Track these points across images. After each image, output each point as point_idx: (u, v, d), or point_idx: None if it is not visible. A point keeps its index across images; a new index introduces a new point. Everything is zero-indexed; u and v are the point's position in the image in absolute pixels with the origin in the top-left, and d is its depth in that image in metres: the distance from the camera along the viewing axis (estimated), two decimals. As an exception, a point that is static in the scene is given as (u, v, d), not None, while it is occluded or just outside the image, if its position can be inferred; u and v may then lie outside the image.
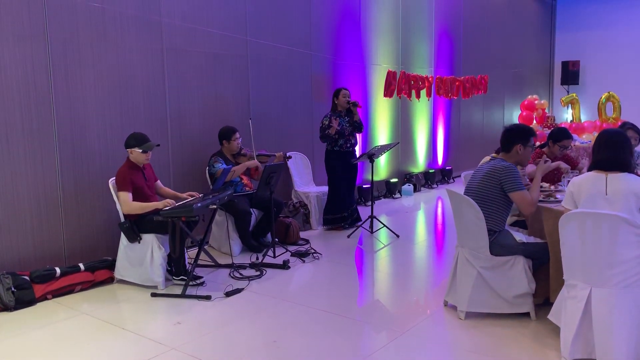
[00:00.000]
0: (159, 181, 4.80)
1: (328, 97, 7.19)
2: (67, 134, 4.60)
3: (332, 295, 4.35)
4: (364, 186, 7.76)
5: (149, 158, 4.53)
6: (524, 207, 3.60)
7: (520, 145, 3.68)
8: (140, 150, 4.43)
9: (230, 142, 5.43)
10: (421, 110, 9.23)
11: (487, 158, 4.07)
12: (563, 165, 4.58)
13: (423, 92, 8.46)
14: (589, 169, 3.25)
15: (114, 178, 4.55)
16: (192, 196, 4.64)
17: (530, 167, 4.37)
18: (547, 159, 3.91)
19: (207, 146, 5.66)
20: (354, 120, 6.23)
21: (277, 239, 5.46)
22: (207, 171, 5.49)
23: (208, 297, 4.17)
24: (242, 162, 5.54)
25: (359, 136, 6.97)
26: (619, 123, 8.86)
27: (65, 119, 4.57)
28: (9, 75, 4.23)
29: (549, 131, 5.10)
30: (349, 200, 6.39)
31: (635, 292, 2.93)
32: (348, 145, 6.26)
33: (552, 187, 4.28)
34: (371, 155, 6.02)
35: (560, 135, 4.80)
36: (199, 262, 4.67)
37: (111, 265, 4.61)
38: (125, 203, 4.34)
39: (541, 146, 5.03)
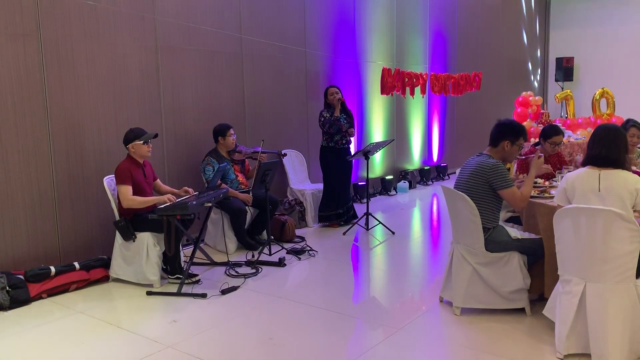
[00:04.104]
0: (158, 180, 4.79)
1: (323, 94, 7.19)
2: (61, 132, 4.58)
3: (328, 292, 4.35)
4: (359, 183, 7.76)
5: (151, 150, 4.53)
6: (515, 204, 3.63)
7: (508, 142, 3.69)
8: (142, 142, 4.42)
9: (226, 139, 5.45)
10: (416, 107, 9.24)
11: None
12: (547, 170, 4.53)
13: (417, 89, 8.46)
14: (583, 164, 3.26)
15: (109, 176, 4.55)
16: (187, 192, 4.64)
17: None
18: (541, 154, 3.90)
19: (202, 143, 5.66)
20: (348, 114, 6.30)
21: (272, 237, 5.46)
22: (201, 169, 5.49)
23: (204, 295, 4.17)
24: (236, 159, 5.57)
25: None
26: (613, 119, 8.91)
27: (58, 117, 4.55)
28: (1, 74, 4.21)
29: (542, 128, 5.09)
30: (344, 197, 6.39)
31: (629, 287, 2.95)
32: (343, 141, 6.27)
33: (547, 183, 4.29)
34: (366, 153, 6.02)
35: (551, 132, 4.79)
36: (195, 260, 4.67)
37: (106, 264, 4.60)
38: (125, 197, 4.32)
39: (536, 144, 5.03)
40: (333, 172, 6.29)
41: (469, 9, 10.46)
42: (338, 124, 6.14)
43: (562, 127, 5.46)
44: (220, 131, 5.47)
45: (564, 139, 6.23)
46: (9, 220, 4.30)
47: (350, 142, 6.38)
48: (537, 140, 5.21)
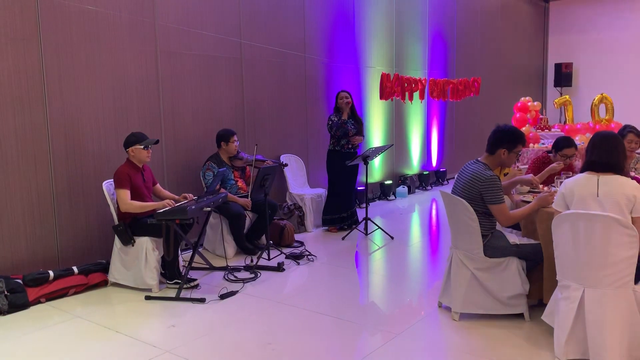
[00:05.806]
0: (158, 184, 4.80)
1: (322, 99, 7.22)
2: (61, 136, 4.58)
3: (327, 297, 4.35)
4: (358, 188, 7.76)
5: (150, 155, 4.53)
6: (501, 220, 3.64)
7: (505, 151, 3.69)
8: (142, 147, 4.43)
9: (229, 145, 5.45)
10: (415, 112, 9.26)
11: None
12: (555, 168, 4.58)
13: (416, 94, 8.47)
14: (582, 170, 3.27)
15: (108, 180, 4.56)
16: (186, 198, 4.63)
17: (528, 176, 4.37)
18: (554, 187, 3.91)
19: (201, 148, 5.66)
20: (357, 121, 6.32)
21: (271, 242, 5.45)
22: (201, 174, 5.49)
23: (202, 300, 4.16)
24: (238, 166, 5.57)
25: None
26: (612, 125, 8.92)
27: (58, 122, 4.56)
28: (1, 78, 4.21)
29: (555, 139, 5.04)
30: (348, 201, 6.40)
31: (627, 292, 2.95)
32: (350, 146, 6.28)
33: (545, 189, 4.29)
34: (366, 157, 6.03)
35: (563, 143, 4.79)
36: (194, 264, 4.66)
37: (105, 268, 4.60)
38: (124, 201, 4.32)
39: (549, 151, 5.01)
40: (338, 176, 6.30)
41: (468, 15, 10.50)
42: (345, 128, 6.15)
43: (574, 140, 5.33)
44: (223, 136, 5.47)
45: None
46: (7, 224, 4.30)
47: (356, 147, 6.38)
48: (539, 144, 5.19)
